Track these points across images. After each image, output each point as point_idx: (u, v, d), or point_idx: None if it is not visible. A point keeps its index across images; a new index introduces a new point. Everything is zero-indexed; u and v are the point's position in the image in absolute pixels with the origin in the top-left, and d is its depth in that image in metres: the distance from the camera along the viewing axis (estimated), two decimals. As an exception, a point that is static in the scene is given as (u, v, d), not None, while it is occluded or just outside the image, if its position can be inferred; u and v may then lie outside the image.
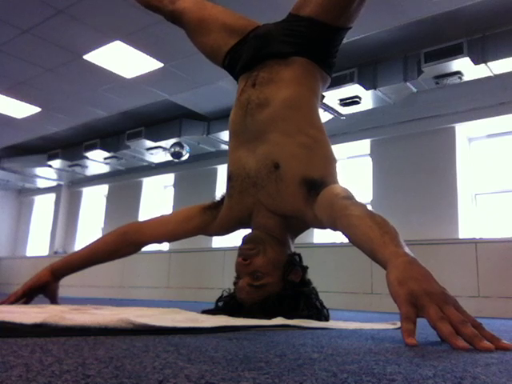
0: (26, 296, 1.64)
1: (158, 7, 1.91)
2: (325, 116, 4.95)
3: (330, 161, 1.51)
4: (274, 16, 1.73)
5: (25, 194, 9.50)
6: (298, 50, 1.56)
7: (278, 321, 1.21)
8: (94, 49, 4.48)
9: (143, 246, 1.71)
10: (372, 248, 1.07)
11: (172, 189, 7.15)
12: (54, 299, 1.71)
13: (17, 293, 1.62)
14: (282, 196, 1.44)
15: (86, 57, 4.62)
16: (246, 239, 1.47)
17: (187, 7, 1.81)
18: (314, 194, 1.38)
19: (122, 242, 1.68)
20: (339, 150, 5.28)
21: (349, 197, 1.30)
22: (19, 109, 5.95)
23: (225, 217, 1.59)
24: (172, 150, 6.08)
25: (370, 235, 1.09)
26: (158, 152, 6.48)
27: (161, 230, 1.67)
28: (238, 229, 1.64)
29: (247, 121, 1.53)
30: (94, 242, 1.74)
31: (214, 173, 6.55)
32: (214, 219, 1.60)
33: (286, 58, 1.56)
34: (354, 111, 4.91)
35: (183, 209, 1.71)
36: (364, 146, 5.35)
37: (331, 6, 1.52)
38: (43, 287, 1.68)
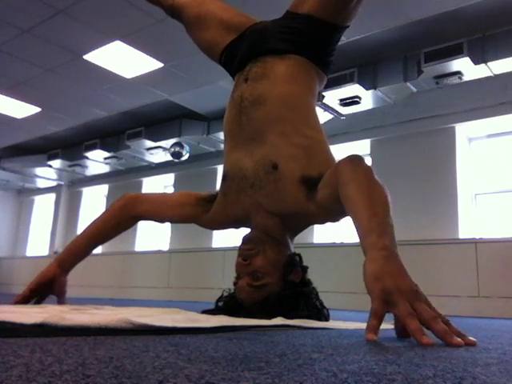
0: (35, 294, 1.58)
1: (158, 1, 1.91)
2: (325, 116, 4.95)
3: (329, 160, 1.49)
4: (272, 13, 1.73)
5: (25, 194, 9.50)
6: (295, 48, 1.55)
7: (278, 321, 1.21)
8: (93, 49, 4.48)
9: (140, 219, 1.71)
10: (358, 231, 1.09)
11: (172, 189, 7.16)
12: (61, 295, 1.64)
13: (24, 293, 1.56)
14: (282, 196, 1.43)
15: (86, 57, 4.63)
16: (245, 239, 1.46)
17: (187, 2, 1.81)
18: (314, 189, 1.38)
19: (121, 216, 1.67)
20: (339, 150, 5.28)
21: (351, 162, 1.25)
22: (19, 109, 5.96)
23: (218, 214, 1.58)
24: (172, 149, 6.08)
25: (360, 217, 1.10)
26: (157, 152, 6.49)
27: (156, 208, 1.67)
28: (235, 227, 1.64)
29: (242, 120, 1.51)
30: (93, 222, 1.70)
31: (214, 173, 6.56)
32: (206, 212, 1.60)
33: (282, 54, 1.54)
34: (354, 111, 4.91)
35: (181, 193, 1.72)
36: (364, 146, 5.35)
37: (330, 3, 1.52)
38: (51, 282, 1.61)
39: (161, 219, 1.72)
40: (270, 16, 1.69)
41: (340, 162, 1.29)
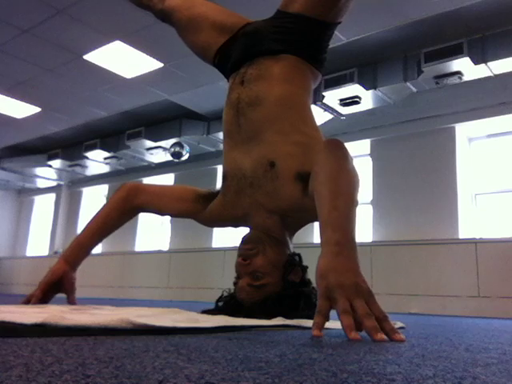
0: (46, 294, 1.57)
1: (148, 6, 1.90)
2: (325, 116, 4.95)
3: None
4: (263, 12, 1.73)
5: (25, 194, 9.50)
6: (287, 47, 1.55)
7: (278, 321, 1.21)
8: (93, 49, 4.48)
9: (141, 211, 1.71)
10: (319, 225, 1.13)
11: (172, 189, 7.15)
12: (71, 292, 1.62)
13: (36, 295, 1.54)
14: (280, 193, 1.44)
15: (86, 57, 4.63)
16: (245, 239, 1.47)
17: (176, 6, 1.80)
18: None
19: (124, 208, 1.67)
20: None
21: (326, 148, 1.29)
22: (19, 109, 5.96)
23: (217, 212, 1.59)
24: (172, 150, 6.08)
25: (320, 211, 1.14)
26: (158, 152, 6.49)
27: (157, 199, 1.68)
28: (233, 225, 1.64)
29: (240, 121, 1.53)
30: (96, 216, 1.69)
31: (214, 173, 6.56)
32: (204, 210, 1.61)
33: (275, 55, 1.55)
34: (354, 111, 4.91)
35: (182, 187, 1.73)
36: (364, 145, 5.35)
37: (319, 1, 1.52)
38: (60, 280, 1.59)
39: (160, 211, 1.72)
40: (262, 15, 1.69)
41: (319, 147, 1.33)
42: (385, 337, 0.88)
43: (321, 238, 1.09)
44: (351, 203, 1.13)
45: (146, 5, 1.91)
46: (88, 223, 1.70)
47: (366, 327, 0.90)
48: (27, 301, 1.55)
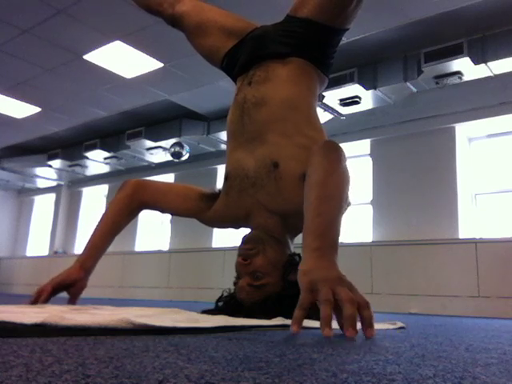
0: (55, 292, 1.56)
1: (158, 11, 1.91)
2: (325, 116, 4.95)
3: None
4: (273, 17, 1.74)
5: (25, 194, 9.50)
6: (295, 51, 1.57)
7: (278, 321, 1.21)
8: (94, 49, 4.48)
9: (146, 208, 1.70)
10: (303, 231, 1.15)
11: (172, 189, 7.15)
12: (75, 297, 1.61)
13: (46, 289, 1.53)
14: (282, 194, 1.44)
15: (86, 57, 4.63)
16: (245, 239, 1.47)
17: (186, 11, 1.82)
18: None
19: (131, 205, 1.67)
20: (339, 150, 5.27)
21: (320, 150, 1.29)
22: (19, 109, 5.96)
23: (219, 212, 1.59)
24: (172, 150, 6.08)
25: (306, 216, 1.16)
26: (158, 152, 6.49)
27: (161, 196, 1.67)
28: (235, 226, 1.64)
29: (245, 120, 1.54)
30: (106, 216, 1.67)
31: (214, 173, 6.56)
32: (208, 209, 1.61)
33: (283, 58, 1.57)
34: (354, 111, 4.91)
35: (185, 186, 1.72)
36: (364, 146, 5.35)
37: (328, 7, 1.53)
38: (72, 284, 1.58)
39: (163, 209, 1.71)
40: (271, 20, 1.71)
41: (314, 149, 1.33)
42: (355, 334, 0.89)
43: (303, 243, 1.12)
44: (337, 208, 1.15)
45: (155, 10, 1.92)
46: (98, 224, 1.68)
47: (344, 314, 0.91)
48: (37, 294, 1.53)
